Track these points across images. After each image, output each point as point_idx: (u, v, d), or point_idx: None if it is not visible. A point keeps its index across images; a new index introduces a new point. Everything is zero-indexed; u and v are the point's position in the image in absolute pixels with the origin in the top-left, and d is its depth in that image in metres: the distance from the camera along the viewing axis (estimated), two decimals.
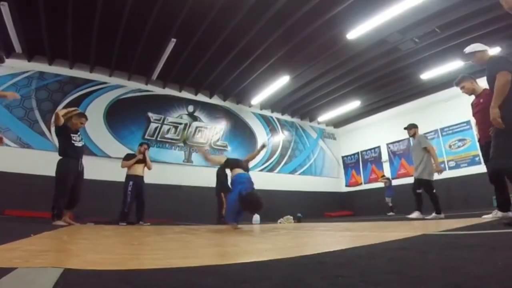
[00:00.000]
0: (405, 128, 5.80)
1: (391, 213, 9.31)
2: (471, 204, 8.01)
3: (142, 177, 5.93)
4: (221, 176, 6.70)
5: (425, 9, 6.01)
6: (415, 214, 5.06)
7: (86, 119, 5.02)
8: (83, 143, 4.88)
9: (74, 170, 4.52)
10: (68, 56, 7.77)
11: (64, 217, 4.58)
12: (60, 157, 4.55)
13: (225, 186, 6.38)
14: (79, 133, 4.84)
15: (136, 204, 5.76)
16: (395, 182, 10.28)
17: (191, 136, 9.61)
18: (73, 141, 4.61)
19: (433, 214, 4.88)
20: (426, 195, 5.04)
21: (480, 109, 3.64)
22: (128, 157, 6.02)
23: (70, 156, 4.56)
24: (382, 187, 10.31)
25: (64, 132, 4.62)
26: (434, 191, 5.02)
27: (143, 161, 6.01)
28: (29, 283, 0.73)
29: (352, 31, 6.61)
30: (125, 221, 5.50)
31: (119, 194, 5.79)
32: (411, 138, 5.98)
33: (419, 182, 5.14)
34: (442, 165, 9.52)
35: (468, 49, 3.44)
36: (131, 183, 5.71)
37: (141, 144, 6.25)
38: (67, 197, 4.41)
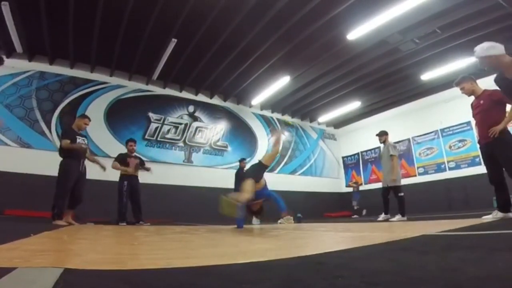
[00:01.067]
0: (376, 135, 6.13)
1: (355, 216, 9.81)
2: (471, 204, 8.00)
3: (136, 176, 5.92)
4: (238, 175, 7.03)
5: (425, 9, 6.01)
6: (397, 218, 5.43)
7: (89, 119, 5.11)
8: (86, 145, 4.94)
9: (75, 171, 4.58)
10: (68, 56, 7.77)
11: (66, 217, 4.60)
12: (62, 158, 4.61)
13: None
14: (84, 136, 4.95)
15: (131, 204, 5.74)
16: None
17: (191, 137, 9.61)
18: (77, 143, 4.72)
19: (398, 216, 5.36)
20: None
21: (480, 111, 3.64)
22: (120, 157, 5.96)
23: (72, 157, 4.59)
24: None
25: (70, 136, 4.71)
26: (401, 194, 5.54)
27: (135, 158, 6.05)
28: (29, 283, 0.73)
29: (352, 32, 6.61)
30: (125, 221, 5.51)
31: None
32: (381, 145, 6.27)
33: (388, 188, 5.67)
34: (443, 166, 9.55)
35: (480, 51, 2.54)
36: (125, 183, 5.72)
37: (127, 142, 6.18)
38: (68, 197, 4.44)
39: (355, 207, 10.28)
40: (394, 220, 5.31)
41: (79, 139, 4.78)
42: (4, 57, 4.26)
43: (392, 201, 5.69)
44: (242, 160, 7.98)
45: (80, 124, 4.93)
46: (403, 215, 5.37)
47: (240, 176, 6.86)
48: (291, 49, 7.41)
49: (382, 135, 5.98)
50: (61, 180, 4.43)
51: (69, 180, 4.45)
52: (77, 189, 4.63)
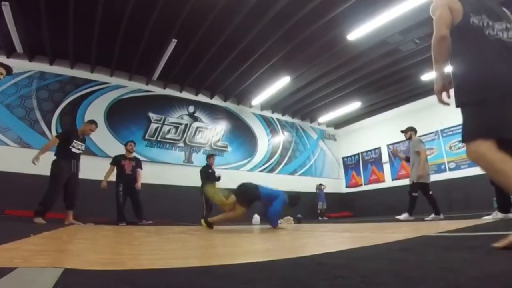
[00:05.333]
0: (402, 131, 5.85)
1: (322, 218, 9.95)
2: (471, 205, 8.00)
3: (132, 175, 5.82)
4: (204, 173, 6.74)
5: (426, 10, 5.94)
6: (403, 216, 5.18)
7: (96, 126, 5.12)
8: (81, 151, 4.90)
9: (66, 170, 4.56)
10: (69, 56, 7.78)
11: (67, 218, 4.61)
12: (54, 157, 4.64)
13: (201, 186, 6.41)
14: (83, 143, 4.90)
15: (131, 203, 5.72)
16: (395, 183, 10.42)
17: (192, 137, 9.61)
18: (71, 146, 4.68)
19: (432, 215, 4.93)
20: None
21: None
22: (115, 160, 5.92)
23: (63, 157, 4.64)
24: (383, 187, 10.39)
25: (67, 136, 4.74)
26: (431, 192, 5.10)
27: (131, 160, 5.99)
28: (29, 283, 0.73)
29: (352, 32, 6.61)
30: (124, 221, 5.50)
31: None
32: (408, 141, 5.97)
33: (414, 185, 5.24)
34: (443, 167, 9.54)
35: None
36: (121, 185, 5.68)
37: (127, 143, 6.17)
38: (57, 197, 4.42)
39: (320, 208, 10.49)
40: (429, 219, 4.88)
41: (77, 144, 4.77)
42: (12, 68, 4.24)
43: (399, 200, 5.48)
44: (210, 156, 7.33)
45: (85, 129, 4.96)
46: (438, 214, 4.90)
47: (208, 175, 6.72)
48: (292, 49, 7.41)
49: (408, 131, 5.67)
50: (52, 178, 4.46)
51: (59, 178, 4.45)
52: (70, 188, 4.62)
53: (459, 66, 1.63)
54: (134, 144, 6.22)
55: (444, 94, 1.75)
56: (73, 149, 4.70)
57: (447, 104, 1.79)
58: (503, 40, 1.50)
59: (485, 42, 1.52)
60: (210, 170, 6.94)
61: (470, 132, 1.43)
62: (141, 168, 6.02)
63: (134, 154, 6.26)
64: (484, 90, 1.41)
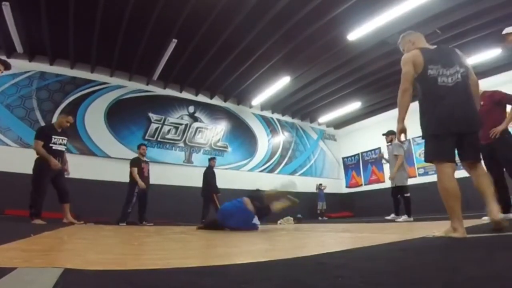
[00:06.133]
0: (383, 134, 6.08)
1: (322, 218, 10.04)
2: (470, 205, 7.99)
3: (148, 177, 6.09)
4: (208, 175, 6.91)
5: (426, 10, 6.01)
6: (398, 217, 5.50)
7: (72, 118, 5.01)
8: (64, 148, 4.67)
9: (48, 169, 4.36)
10: (69, 56, 7.78)
11: (66, 217, 4.60)
12: (37, 156, 4.44)
13: (214, 186, 6.68)
14: (64, 137, 4.66)
15: (138, 204, 5.86)
16: None
17: (192, 137, 9.62)
18: (51, 144, 4.46)
19: (404, 217, 5.33)
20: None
21: (480, 111, 3.64)
22: (135, 161, 6.07)
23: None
24: (383, 188, 10.33)
25: (45, 135, 4.51)
26: (408, 195, 5.46)
27: (146, 163, 6.23)
28: (29, 283, 0.73)
29: (353, 32, 6.61)
30: (126, 221, 5.52)
31: (119, 194, 5.80)
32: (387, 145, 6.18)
33: (394, 188, 5.63)
34: None
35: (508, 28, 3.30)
36: (137, 188, 5.77)
37: (139, 146, 6.37)
38: (44, 195, 4.29)
39: (319, 208, 10.55)
40: (400, 220, 5.29)
41: (58, 139, 4.55)
42: (10, 64, 4.20)
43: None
44: (212, 159, 7.56)
45: (61, 122, 4.72)
46: (409, 216, 5.32)
47: (210, 177, 6.95)
48: (292, 50, 7.41)
49: (389, 134, 5.91)
50: (34, 179, 4.32)
51: (41, 179, 4.32)
52: (59, 183, 4.51)
53: (420, 108, 2.20)
54: (146, 147, 6.42)
55: (402, 135, 2.35)
56: (54, 147, 4.47)
57: (404, 142, 2.56)
58: (450, 86, 2.03)
59: (437, 89, 2.05)
60: (210, 172, 7.16)
61: (432, 155, 2.09)
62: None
63: (145, 158, 6.42)
64: (432, 130, 2.04)
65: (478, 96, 2.24)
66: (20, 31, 6.41)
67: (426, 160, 2.11)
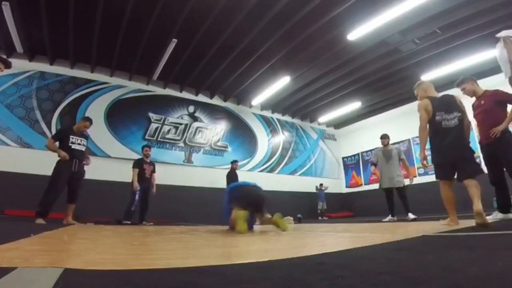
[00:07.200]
0: (381, 138, 6.26)
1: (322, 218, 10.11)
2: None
3: (149, 179, 6.13)
4: (228, 178, 7.08)
5: (426, 10, 6.01)
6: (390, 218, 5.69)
7: (91, 123, 5.11)
8: (83, 148, 4.88)
9: (66, 171, 4.54)
10: (69, 56, 7.78)
11: (66, 218, 4.61)
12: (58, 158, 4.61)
13: None
14: (83, 138, 4.91)
15: (140, 204, 5.90)
16: None
17: (192, 137, 9.62)
18: (70, 143, 4.66)
19: (389, 217, 5.64)
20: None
21: (481, 111, 3.64)
22: (138, 162, 6.16)
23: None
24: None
25: (61, 135, 4.75)
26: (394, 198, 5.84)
27: (149, 164, 6.27)
28: (29, 283, 0.73)
29: (352, 32, 6.61)
30: (130, 219, 5.57)
31: (119, 194, 5.81)
32: (379, 147, 6.46)
33: (392, 189, 5.90)
34: None
35: (505, 31, 3.31)
36: (140, 187, 5.86)
37: (143, 147, 6.45)
38: (56, 197, 4.39)
39: (320, 208, 10.61)
40: (386, 220, 5.54)
41: (76, 140, 4.75)
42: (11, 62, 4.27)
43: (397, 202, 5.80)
44: (234, 162, 7.88)
45: (79, 126, 4.98)
46: (393, 216, 5.67)
47: (231, 179, 7.10)
48: (291, 50, 7.42)
49: (386, 138, 6.16)
50: (51, 179, 4.46)
51: (57, 180, 4.44)
52: (73, 185, 4.64)
53: (430, 143, 3.17)
54: (150, 149, 6.46)
55: (424, 161, 3.18)
56: (73, 146, 4.68)
57: (426, 166, 3.33)
58: (449, 128, 3.01)
59: (441, 131, 3.03)
60: (233, 173, 7.43)
61: (436, 176, 3.15)
62: (155, 172, 6.30)
63: (149, 159, 6.44)
64: (436, 160, 3.11)
65: (468, 132, 3.14)
66: (20, 31, 6.41)
67: (435, 178, 3.15)
